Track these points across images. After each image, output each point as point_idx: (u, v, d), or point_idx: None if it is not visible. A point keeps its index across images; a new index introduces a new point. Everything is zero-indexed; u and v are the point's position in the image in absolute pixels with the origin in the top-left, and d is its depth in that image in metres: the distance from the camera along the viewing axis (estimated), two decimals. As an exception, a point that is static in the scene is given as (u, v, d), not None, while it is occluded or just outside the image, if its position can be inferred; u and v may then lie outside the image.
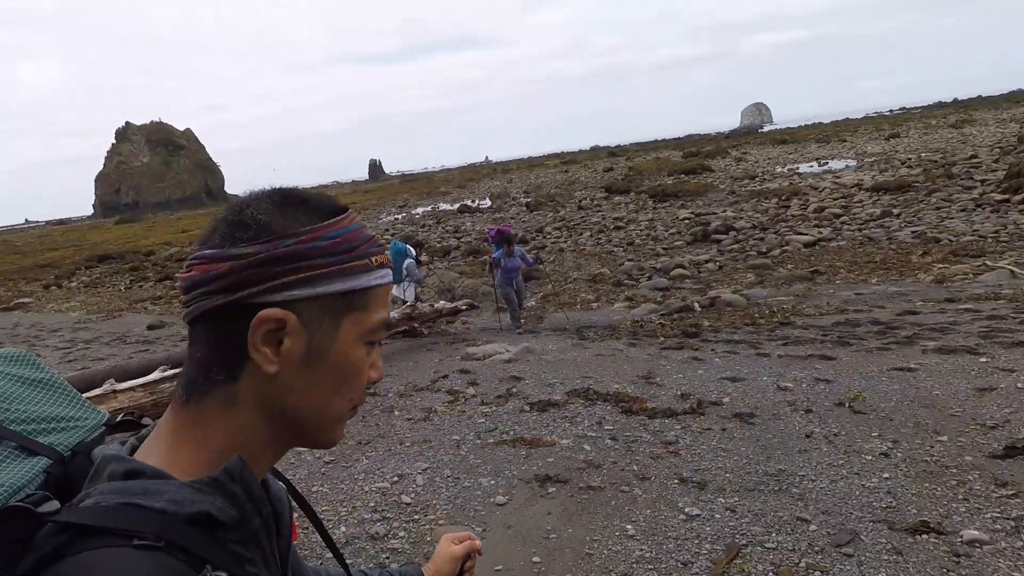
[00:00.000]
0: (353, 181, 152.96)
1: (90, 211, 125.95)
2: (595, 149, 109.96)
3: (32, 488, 0.53)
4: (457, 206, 34.15)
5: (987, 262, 9.44)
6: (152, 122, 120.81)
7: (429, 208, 37.47)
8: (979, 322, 6.18)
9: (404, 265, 8.80)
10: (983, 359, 5.01)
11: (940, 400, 4.32)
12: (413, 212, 36.22)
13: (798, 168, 31.25)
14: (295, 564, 0.70)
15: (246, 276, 0.52)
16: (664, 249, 14.94)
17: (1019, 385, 4.39)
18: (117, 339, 11.80)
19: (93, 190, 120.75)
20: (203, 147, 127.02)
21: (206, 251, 0.54)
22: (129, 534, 0.46)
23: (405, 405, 5.48)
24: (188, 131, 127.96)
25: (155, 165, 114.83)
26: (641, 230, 18.06)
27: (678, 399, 4.94)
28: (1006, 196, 14.57)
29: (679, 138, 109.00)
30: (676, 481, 3.60)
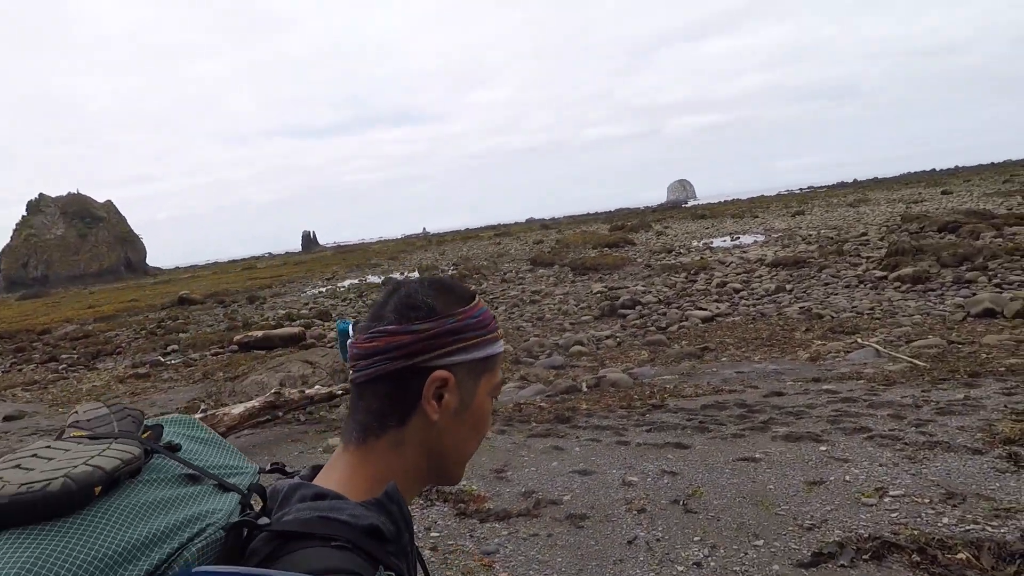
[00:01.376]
0: (287, 252, 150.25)
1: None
2: (530, 221, 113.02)
3: (236, 516, 0.66)
4: (381, 279, 33.78)
5: (859, 339, 9.84)
6: (69, 193, 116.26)
7: (356, 281, 36.89)
8: (833, 404, 6.28)
9: (349, 343, 8.24)
10: (823, 447, 5.01)
11: (771, 496, 4.23)
12: (340, 285, 35.50)
13: (712, 242, 32.81)
14: None
15: (423, 346, 0.68)
16: (571, 324, 14.99)
17: (847, 478, 4.36)
18: (-40, 432, 10.54)
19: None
20: (124, 219, 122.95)
21: (387, 327, 0.69)
22: (327, 538, 0.59)
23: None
24: (108, 203, 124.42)
25: (70, 237, 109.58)
26: (554, 304, 18.18)
27: (519, 498, 4.66)
28: (885, 273, 15.56)
29: (610, 211, 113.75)
30: (478, 604, 3.28)
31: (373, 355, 0.69)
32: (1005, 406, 5.49)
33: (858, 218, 33.89)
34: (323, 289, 34.12)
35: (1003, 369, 6.95)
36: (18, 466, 0.60)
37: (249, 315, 25.44)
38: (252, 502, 0.70)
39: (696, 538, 3.76)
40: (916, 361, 8.01)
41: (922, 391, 6.44)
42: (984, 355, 8.02)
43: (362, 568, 0.58)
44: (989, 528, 3.48)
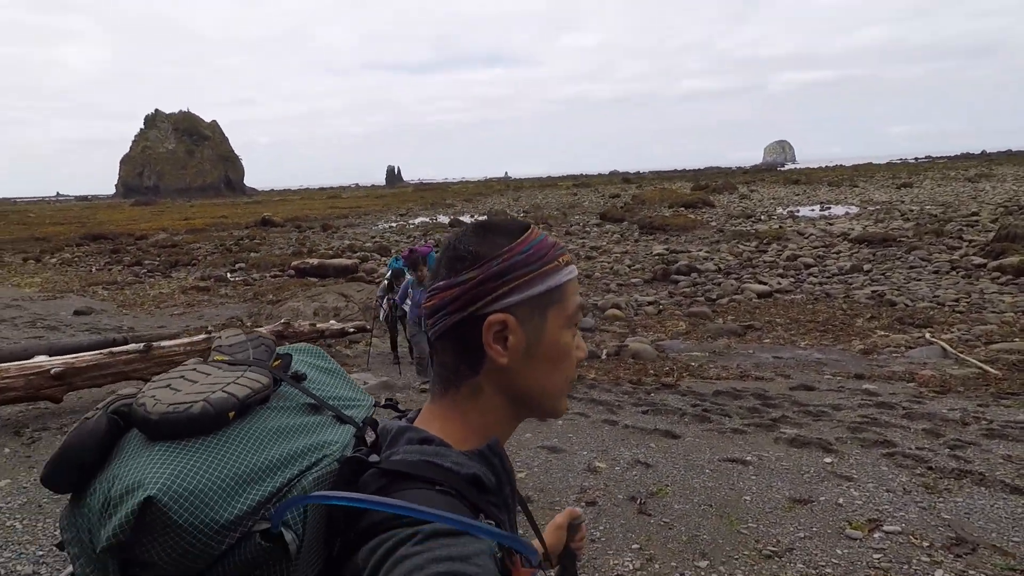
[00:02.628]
0: (372, 185, 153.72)
1: (113, 191, 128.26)
2: (613, 174, 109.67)
3: (350, 447, 0.69)
4: (448, 220, 33.81)
5: (927, 334, 8.70)
6: (180, 111, 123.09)
7: (428, 219, 37.17)
8: (865, 408, 5.52)
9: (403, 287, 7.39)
10: (828, 458, 4.36)
11: (742, 509, 3.69)
12: (411, 222, 35.90)
13: (798, 211, 30.45)
14: None
15: (472, 295, 0.67)
16: (618, 285, 14.31)
17: (840, 501, 3.74)
18: (30, 322, 11.46)
19: (117, 171, 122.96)
20: (227, 139, 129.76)
21: (439, 283, 0.69)
22: (432, 481, 0.61)
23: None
24: (214, 123, 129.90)
25: (179, 152, 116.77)
26: (609, 262, 17.47)
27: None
28: (985, 261, 13.75)
29: (699, 169, 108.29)
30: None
31: (434, 313, 0.70)
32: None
33: (974, 195, 30.33)
34: (394, 224, 34.65)
35: (1089, 391, 5.86)
36: (169, 386, 0.68)
37: (318, 242, 26.24)
38: (365, 435, 0.72)
39: (635, 545, 3.33)
40: (987, 367, 6.95)
41: (978, 405, 5.53)
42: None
43: (464, 514, 0.60)
44: (991, 593, 2.84)
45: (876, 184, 43.57)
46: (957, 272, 13.32)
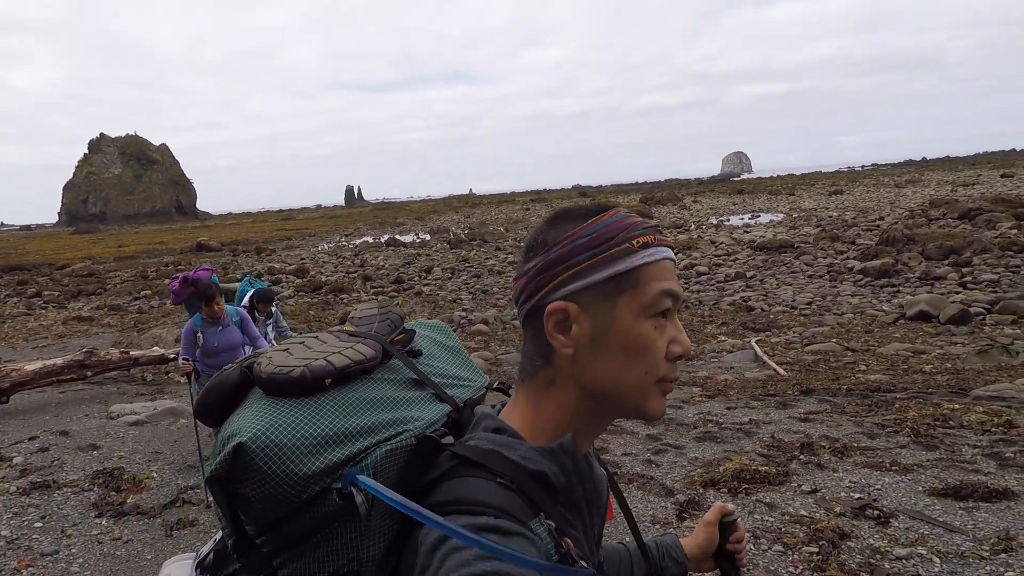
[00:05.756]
0: (335, 206, 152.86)
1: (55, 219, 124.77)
2: (576, 188, 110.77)
3: (439, 425, 0.70)
4: (385, 239, 33.72)
5: (754, 340, 8.91)
6: (127, 135, 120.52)
7: (370, 239, 37.00)
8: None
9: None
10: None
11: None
12: (354, 242, 35.70)
13: (729, 220, 31.11)
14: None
15: (536, 283, 0.67)
16: (508, 300, 14.41)
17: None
18: None
19: (60, 198, 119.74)
20: (177, 163, 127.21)
21: (519, 272, 0.70)
22: (495, 472, 0.62)
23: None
24: (163, 146, 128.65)
25: (126, 178, 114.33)
26: (509, 278, 17.59)
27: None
28: (861, 264, 14.19)
29: (659, 182, 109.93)
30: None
31: (515, 301, 0.71)
32: (773, 436, 4.71)
33: (894, 201, 31.32)
34: (330, 246, 34.44)
35: (845, 388, 6.04)
36: (287, 350, 0.73)
37: (247, 265, 25.94)
38: (462, 416, 0.74)
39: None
40: (779, 369, 7.15)
41: (727, 408, 5.68)
42: (863, 367, 7.07)
43: (519, 510, 0.60)
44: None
45: (813, 192, 44.74)
46: (828, 276, 13.72)
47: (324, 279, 19.57)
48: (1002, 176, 38.99)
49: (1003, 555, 2.85)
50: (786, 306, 11.19)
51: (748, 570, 2.95)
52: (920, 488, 3.60)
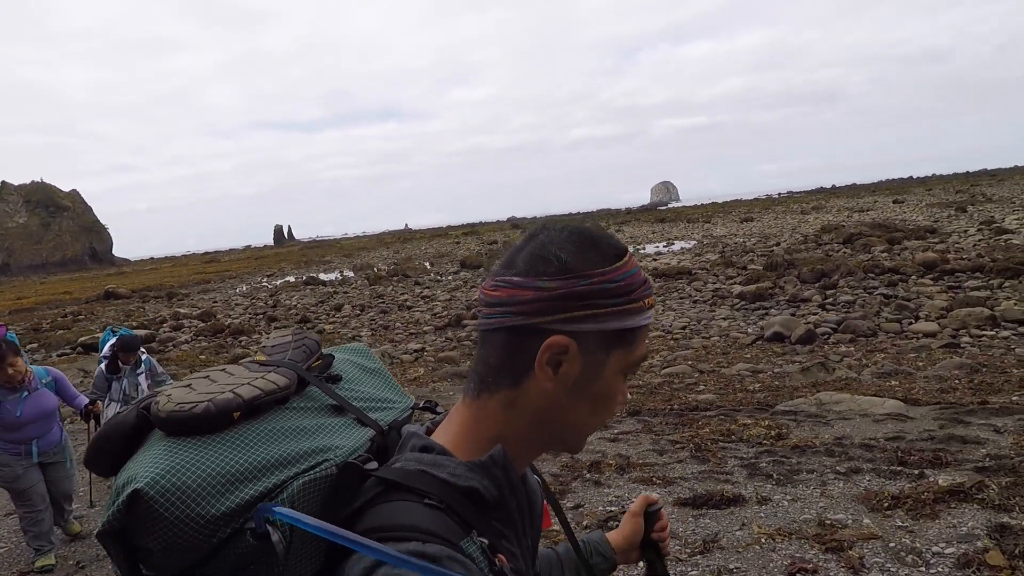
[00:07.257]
0: (265, 246, 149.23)
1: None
2: (510, 220, 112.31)
3: (362, 451, 0.67)
4: (305, 278, 33.20)
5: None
6: (32, 182, 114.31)
7: (291, 279, 36.29)
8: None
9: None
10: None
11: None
12: (275, 283, 34.91)
13: (644, 248, 32.29)
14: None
15: (546, 306, 0.62)
16: (410, 334, 14.48)
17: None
18: None
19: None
20: (90, 208, 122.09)
21: (514, 277, 0.63)
22: (422, 494, 0.60)
23: None
24: (74, 192, 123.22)
25: (33, 226, 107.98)
26: (422, 311, 17.66)
27: None
28: (743, 288, 15.04)
29: (592, 211, 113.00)
30: None
31: (495, 304, 0.64)
32: (573, 456, 4.96)
33: (796, 227, 33.34)
34: (247, 288, 33.57)
35: (671, 408, 6.41)
36: (189, 386, 0.68)
37: (152, 312, 24.92)
38: (387, 439, 0.72)
39: None
40: (627, 393, 7.50)
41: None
42: (701, 387, 7.51)
43: (449, 531, 0.58)
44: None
45: (728, 220, 47.06)
46: (712, 301, 14.47)
47: (228, 322, 19.08)
48: (894, 202, 42.21)
49: (698, 556, 3.13)
50: (663, 331, 11.73)
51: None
52: (671, 499, 3.89)
